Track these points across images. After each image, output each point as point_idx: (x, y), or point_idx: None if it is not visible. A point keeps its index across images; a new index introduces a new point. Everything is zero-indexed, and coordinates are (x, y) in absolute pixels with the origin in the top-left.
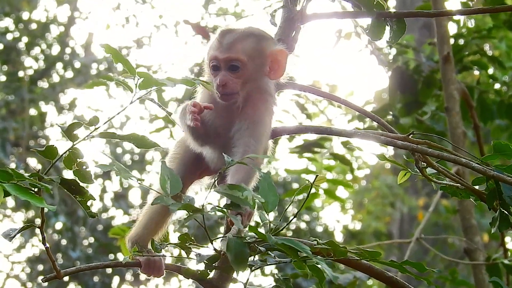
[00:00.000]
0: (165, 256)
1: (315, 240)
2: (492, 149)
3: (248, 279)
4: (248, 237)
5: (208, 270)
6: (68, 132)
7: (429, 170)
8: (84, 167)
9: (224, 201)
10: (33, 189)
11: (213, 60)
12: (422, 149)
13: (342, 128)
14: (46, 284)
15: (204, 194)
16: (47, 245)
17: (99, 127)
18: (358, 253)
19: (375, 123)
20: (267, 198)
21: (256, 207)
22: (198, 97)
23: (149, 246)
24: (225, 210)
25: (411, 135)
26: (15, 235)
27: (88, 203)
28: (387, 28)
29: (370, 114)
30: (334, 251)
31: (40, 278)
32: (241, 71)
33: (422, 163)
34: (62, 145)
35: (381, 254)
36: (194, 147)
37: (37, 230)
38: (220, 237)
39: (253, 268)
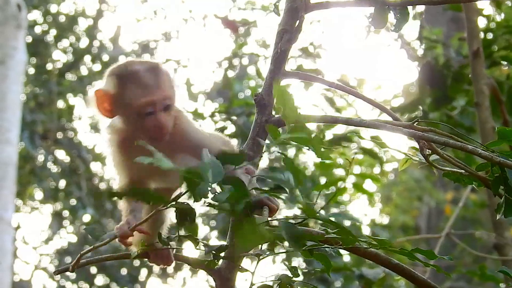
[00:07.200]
0: (173, 247)
1: (324, 229)
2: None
3: (256, 268)
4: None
5: (216, 260)
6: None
7: (433, 157)
8: None
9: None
10: None
11: (147, 106)
12: (428, 136)
13: (349, 117)
14: (74, 276)
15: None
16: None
17: None
18: (366, 241)
19: (404, 117)
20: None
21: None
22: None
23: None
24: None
25: (416, 122)
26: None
27: None
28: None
29: (376, 103)
30: (342, 239)
31: (57, 270)
32: (171, 108)
33: (428, 150)
34: (90, 138)
35: (389, 242)
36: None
37: (65, 223)
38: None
39: (261, 257)
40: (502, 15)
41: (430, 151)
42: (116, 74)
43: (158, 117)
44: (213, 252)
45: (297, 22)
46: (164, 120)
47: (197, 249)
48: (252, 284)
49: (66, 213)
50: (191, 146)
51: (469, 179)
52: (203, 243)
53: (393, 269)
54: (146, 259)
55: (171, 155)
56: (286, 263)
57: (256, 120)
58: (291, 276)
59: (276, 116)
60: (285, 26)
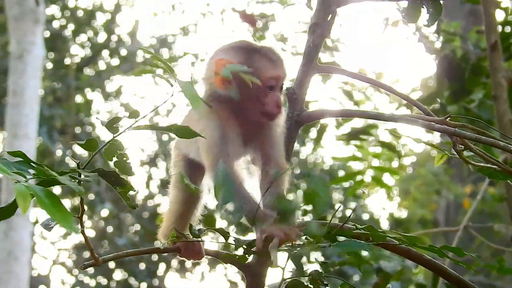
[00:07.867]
0: (204, 240)
1: (354, 225)
2: None
3: (286, 264)
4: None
5: (247, 255)
6: (109, 125)
7: (466, 153)
8: (124, 158)
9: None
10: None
11: (273, 80)
12: (460, 132)
13: (379, 112)
14: (92, 271)
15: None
16: (86, 234)
17: (140, 119)
18: (397, 238)
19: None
20: (316, 202)
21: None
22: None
23: (187, 232)
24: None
25: (449, 118)
26: (54, 226)
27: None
28: (424, 11)
29: (410, 99)
30: (372, 235)
31: (84, 264)
32: (282, 89)
33: (460, 146)
34: (107, 134)
35: (420, 239)
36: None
37: (83, 218)
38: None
39: (291, 253)
40: None
41: (462, 146)
42: (243, 47)
43: (278, 94)
44: (244, 247)
45: (329, 16)
46: (281, 99)
47: (228, 243)
48: (283, 280)
49: (85, 207)
50: (266, 136)
51: (502, 174)
52: (233, 237)
53: (425, 264)
54: (170, 254)
55: (250, 136)
56: (316, 258)
57: (288, 115)
58: (322, 271)
59: (308, 111)
60: (317, 20)
